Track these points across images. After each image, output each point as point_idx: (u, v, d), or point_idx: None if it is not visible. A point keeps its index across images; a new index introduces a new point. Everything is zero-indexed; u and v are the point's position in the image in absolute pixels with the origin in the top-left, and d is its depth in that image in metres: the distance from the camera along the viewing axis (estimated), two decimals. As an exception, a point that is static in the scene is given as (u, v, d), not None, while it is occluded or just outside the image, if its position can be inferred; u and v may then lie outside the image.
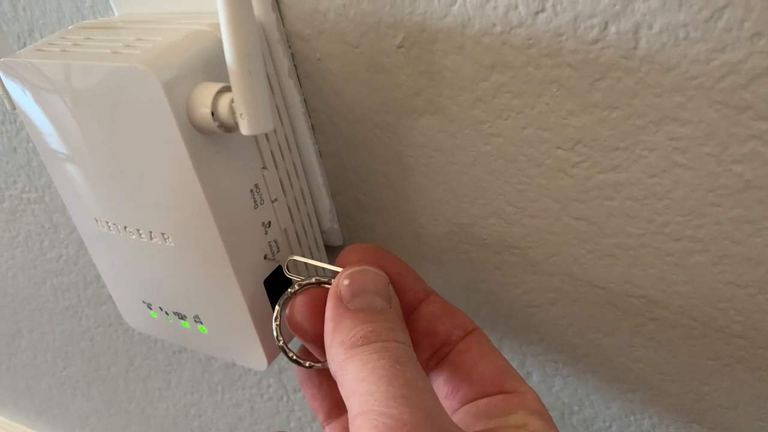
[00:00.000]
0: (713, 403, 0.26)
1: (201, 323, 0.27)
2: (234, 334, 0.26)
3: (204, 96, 0.20)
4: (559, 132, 0.22)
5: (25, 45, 0.31)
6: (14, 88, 0.24)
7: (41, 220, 0.40)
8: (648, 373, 0.27)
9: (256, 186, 0.24)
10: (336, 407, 0.27)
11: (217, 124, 0.20)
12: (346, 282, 0.22)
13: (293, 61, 0.25)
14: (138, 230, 0.25)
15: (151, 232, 0.24)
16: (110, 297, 0.42)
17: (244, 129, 0.20)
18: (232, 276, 0.24)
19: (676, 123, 0.20)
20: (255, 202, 0.24)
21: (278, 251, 0.26)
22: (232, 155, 0.23)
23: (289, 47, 0.25)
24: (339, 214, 0.29)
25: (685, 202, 0.22)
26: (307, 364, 0.24)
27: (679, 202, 0.22)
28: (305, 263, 0.26)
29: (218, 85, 0.20)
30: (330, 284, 0.24)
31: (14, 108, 0.26)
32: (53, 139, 0.24)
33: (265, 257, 0.25)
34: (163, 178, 0.22)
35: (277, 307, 0.24)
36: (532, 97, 0.22)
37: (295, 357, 0.24)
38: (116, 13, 0.27)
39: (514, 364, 0.30)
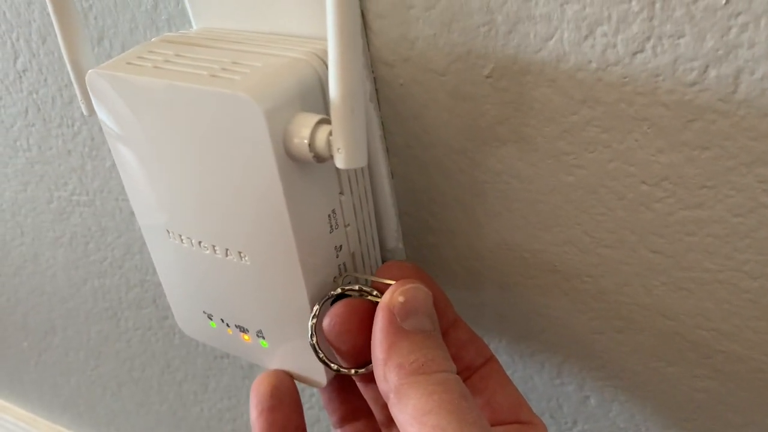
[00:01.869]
0: (776, 435, 0.27)
1: (263, 338, 0.27)
2: (296, 351, 0.27)
3: (302, 127, 0.21)
4: (645, 168, 0.22)
5: (93, 52, 0.32)
6: (100, 98, 0.24)
7: (89, 223, 0.41)
8: (710, 403, 0.27)
9: (333, 211, 0.25)
10: (351, 413, 0.28)
11: (312, 155, 0.21)
12: (401, 299, 0.22)
13: (375, 84, 0.25)
14: (213, 246, 0.25)
15: (227, 250, 0.25)
16: (153, 301, 0.43)
17: (340, 163, 0.20)
18: (304, 297, 0.25)
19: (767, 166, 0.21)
20: (331, 226, 0.25)
21: (345, 273, 0.26)
22: (316, 182, 0.23)
23: (372, 72, 0.25)
24: (404, 233, 0.29)
25: (768, 242, 0.22)
26: (334, 367, 0.25)
27: (761, 242, 0.22)
28: (357, 277, 0.26)
29: (316, 117, 0.21)
30: (372, 295, 0.24)
31: (91, 113, 0.26)
32: (136, 152, 0.24)
33: (334, 279, 0.26)
34: (249, 200, 0.23)
35: (316, 306, 0.24)
36: (621, 132, 0.22)
37: (324, 358, 0.25)
38: (194, 26, 0.27)
39: (572, 388, 0.31)
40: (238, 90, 0.20)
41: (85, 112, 0.26)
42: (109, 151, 0.36)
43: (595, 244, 0.25)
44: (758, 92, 0.19)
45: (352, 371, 0.24)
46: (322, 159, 0.21)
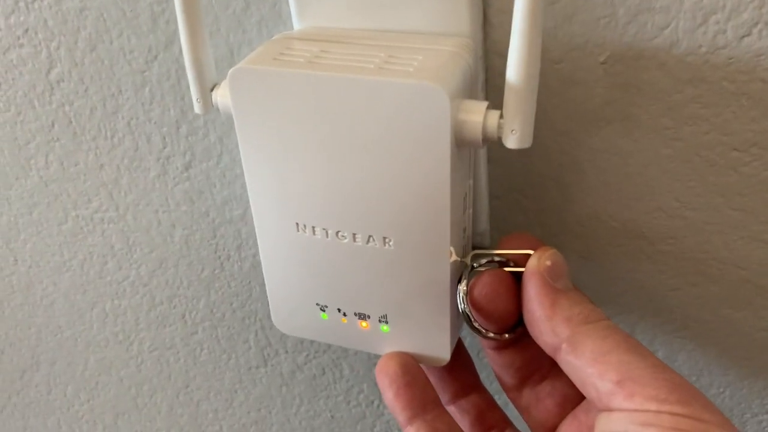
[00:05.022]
0: (825, 360, 0.32)
1: (386, 323, 0.29)
2: (422, 331, 0.29)
3: (475, 113, 0.23)
4: (738, 136, 0.27)
5: (156, 59, 0.32)
6: (242, 95, 0.25)
7: (112, 241, 0.40)
8: (769, 340, 0.33)
9: (465, 195, 0.27)
10: (463, 389, 0.31)
11: (482, 138, 0.23)
12: (548, 263, 0.26)
13: (486, 75, 0.28)
14: (354, 235, 0.27)
15: (370, 236, 0.26)
16: (182, 317, 0.43)
17: (513, 143, 0.23)
18: (447, 277, 0.27)
19: None
20: (464, 209, 0.27)
21: (472, 251, 0.29)
22: (462, 167, 0.26)
23: (485, 63, 0.28)
24: (492, 216, 0.32)
25: (836, 191, 0.27)
26: (491, 334, 0.27)
27: (831, 191, 0.27)
28: (486, 253, 0.29)
29: (484, 103, 0.23)
30: (508, 265, 0.27)
31: (207, 112, 0.27)
32: (279, 147, 0.25)
33: (461, 259, 0.28)
34: (412, 185, 0.24)
35: (464, 279, 0.27)
36: (720, 107, 0.26)
37: (477, 326, 0.27)
38: (296, 27, 0.28)
39: (645, 343, 0.35)
40: (424, 79, 0.22)
41: (199, 111, 0.27)
42: (157, 160, 0.36)
43: (683, 208, 0.29)
44: None
45: (506, 335, 0.27)
46: (488, 141, 0.24)
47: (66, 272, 0.43)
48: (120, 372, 0.48)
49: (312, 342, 0.41)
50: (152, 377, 0.47)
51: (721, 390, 0.35)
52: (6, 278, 0.45)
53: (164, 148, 0.35)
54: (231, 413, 0.48)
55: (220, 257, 0.39)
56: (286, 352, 0.42)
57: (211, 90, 0.27)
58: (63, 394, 0.52)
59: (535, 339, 0.26)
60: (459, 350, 0.31)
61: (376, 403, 0.43)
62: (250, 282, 0.39)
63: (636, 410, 0.21)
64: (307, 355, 0.42)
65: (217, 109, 0.27)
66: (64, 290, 0.44)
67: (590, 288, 0.33)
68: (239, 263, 0.39)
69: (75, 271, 0.43)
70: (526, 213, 0.32)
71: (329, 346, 0.41)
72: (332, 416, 0.45)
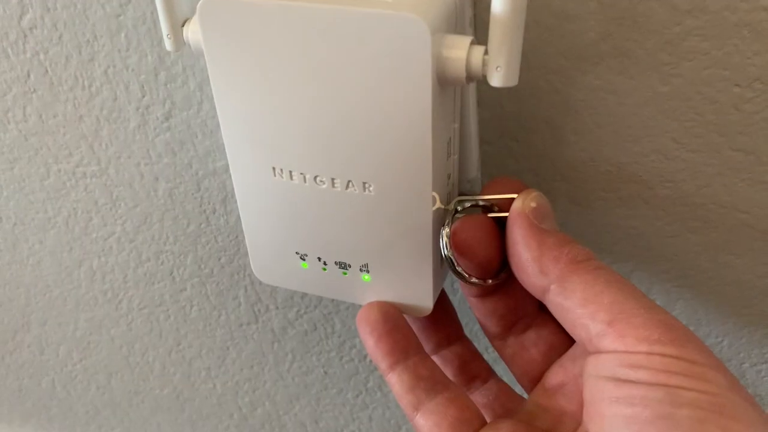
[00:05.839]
0: (828, 307, 0.32)
1: (366, 272, 0.28)
2: (404, 280, 0.28)
3: (458, 49, 0.22)
4: (739, 71, 0.26)
5: (130, 2, 0.30)
6: (212, 29, 0.23)
7: (95, 196, 0.39)
8: (769, 287, 0.32)
9: (449, 139, 0.26)
10: (446, 338, 0.31)
11: (465, 75, 0.22)
12: (533, 204, 0.25)
13: (474, 10, 0.27)
14: (333, 180, 0.26)
15: (349, 182, 0.25)
16: (170, 273, 0.42)
17: (497, 81, 0.22)
18: (429, 224, 0.26)
19: None
20: (448, 154, 0.26)
21: (456, 198, 0.28)
22: (446, 109, 0.24)
23: (473, -2, 0.26)
24: (483, 162, 0.31)
25: (842, 129, 0.26)
26: (474, 279, 0.27)
27: (836, 129, 0.26)
28: (470, 199, 0.28)
29: (468, 38, 0.22)
30: (491, 210, 0.26)
31: (178, 49, 0.26)
32: (253, 85, 0.24)
33: (444, 207, 0.27)
34: (393, 128, 0.23)
35: (447, 223, 0.26)
36: (721, 39, 0.25)
37: (460, 270, 0.26)
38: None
39: (640, 294, 0.34)
40: (403, 10, 0.21)
41: (170, 48, 0.26)
42: (137, 110, 0.34)
43: (682, 149, 0.28)
44: None
45: (489, 281, 0.26)
46: (472, 79, 0.23)
47: (51, 229, 0.42)
48: (111, 331, 0.48)
49: (302, 297, 0.40)
50: (143, 336, 0.47)
51: (720, 339, 0.35)
52: (-9, 237, 0.44)
53: (143, 97, 0.34)
54: (224, 371, 0.47)
55: (205, 211, 0.38)
56: (277, 308, 0.42)
57: (182, 26, 0.25)
58: (56, 354, 0.52)
59: (522, 283, 0.25)
60: (442, 300, 0.30)
61: (368, 358, 0.42)
62: (237, 236, 0.39)
63: (626, 352, 0.20)
64: (298, 311, 0.41)
65: (189, 46, 0.25)
66: (50, 248, 0.43)
67: (585, 236, 0.32)
68: (225, 217, 0.38)
69: (60, 228, 0.42)
70: (518, 159, 0.31)
71: (320, 300, 0.40)
72: (325, 372, 0.44)
